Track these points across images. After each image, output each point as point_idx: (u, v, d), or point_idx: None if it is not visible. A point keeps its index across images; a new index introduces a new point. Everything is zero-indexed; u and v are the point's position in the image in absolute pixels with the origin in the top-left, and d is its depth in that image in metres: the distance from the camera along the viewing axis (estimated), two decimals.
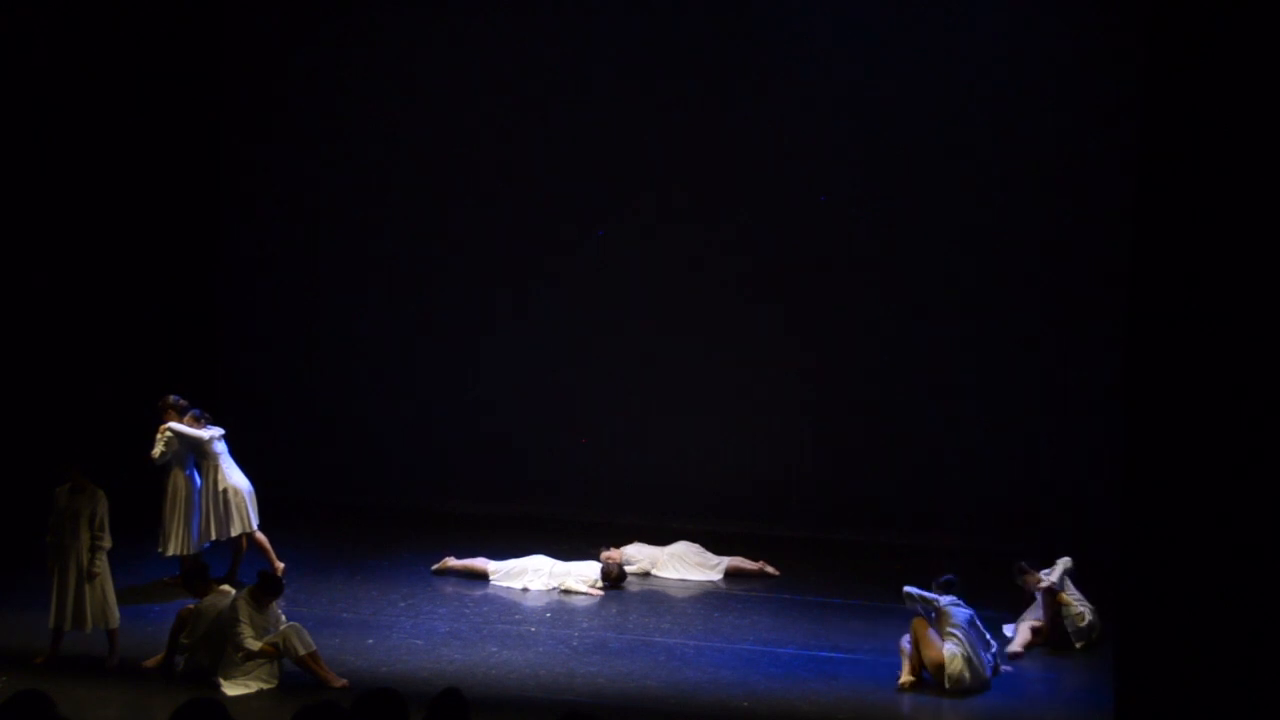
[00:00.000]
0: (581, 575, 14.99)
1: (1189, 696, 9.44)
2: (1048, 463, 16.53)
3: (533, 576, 15.01)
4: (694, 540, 15.85)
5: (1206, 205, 9.45)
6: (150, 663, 12.54)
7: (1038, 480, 16.55)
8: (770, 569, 15.62)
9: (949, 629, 12.49)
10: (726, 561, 15.63)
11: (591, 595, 14.79)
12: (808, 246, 16.96)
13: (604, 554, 15.46)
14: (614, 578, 15.05)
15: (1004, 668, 12.83)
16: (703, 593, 15.17)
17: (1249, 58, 9.30)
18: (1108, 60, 15.95)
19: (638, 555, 15.64)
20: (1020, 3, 16.47)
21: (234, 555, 14.59)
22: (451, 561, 15.29)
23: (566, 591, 14.82)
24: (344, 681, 12.13)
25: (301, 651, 12.13)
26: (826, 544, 16.62)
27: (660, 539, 15.91)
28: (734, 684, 12.56)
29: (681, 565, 15.60)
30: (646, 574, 15.53)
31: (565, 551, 15.56)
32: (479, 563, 15.23)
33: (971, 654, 12.42)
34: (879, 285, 16.88)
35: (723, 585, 15.37)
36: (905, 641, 12.60)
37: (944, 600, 12.67)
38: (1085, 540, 15.97)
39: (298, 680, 12.15)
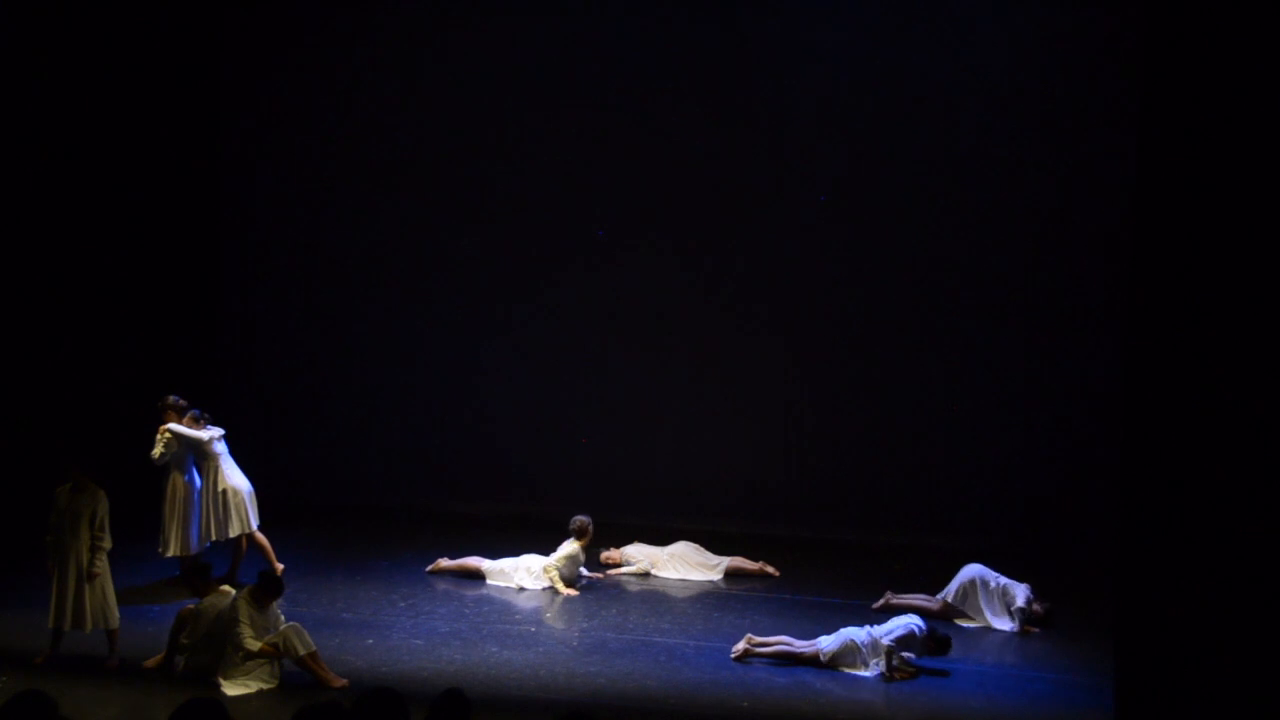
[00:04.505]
0: (568, 554, 14.99)
1: (1189, 696, 9.46)
2: (1047, 463, 16.52)
3: (525, 575, 15.03)
4: (694, 540, 15.86)
5: (1206, 205, 9.47)
6: (150, 663, 12.53)
7: (1037, 480, 16.54)
8: (770, 569, 15.62)
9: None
10: (726, 561, 15.63)
11: (583, 578, 14.89)
12: (807, 247, 16.96)
13: (604, 554, 15.51)
14: (579, 530, 14.97)
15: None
16: (703, 593, 15.17)
17: (1249, 57, 9.32)
18: (1108, 61, 15.95)
19: (638, 555, 15.65)
20: (1020, 4, 16.46)
21: (234, 555, 14.59)
22: (445, 561, 15.30)
23: (561, 562, 14.86)
24: (344, 681, 12.12)
25: (301, 651, 12.13)
26: (826, 544, 16.63)
27: (660, 539, 15.92)
28: (734, 684, 12.56)
29: (681, 565, 15.61)
30: (646, 574, 15.54)
31: None
32: (473, 562, 15.24)
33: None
34: (879, 286, 16.87)
35: (723, 585, 15.38)
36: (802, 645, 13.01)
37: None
38: (1084, 540, 16.01)
39: (298, 680, 12.14)
